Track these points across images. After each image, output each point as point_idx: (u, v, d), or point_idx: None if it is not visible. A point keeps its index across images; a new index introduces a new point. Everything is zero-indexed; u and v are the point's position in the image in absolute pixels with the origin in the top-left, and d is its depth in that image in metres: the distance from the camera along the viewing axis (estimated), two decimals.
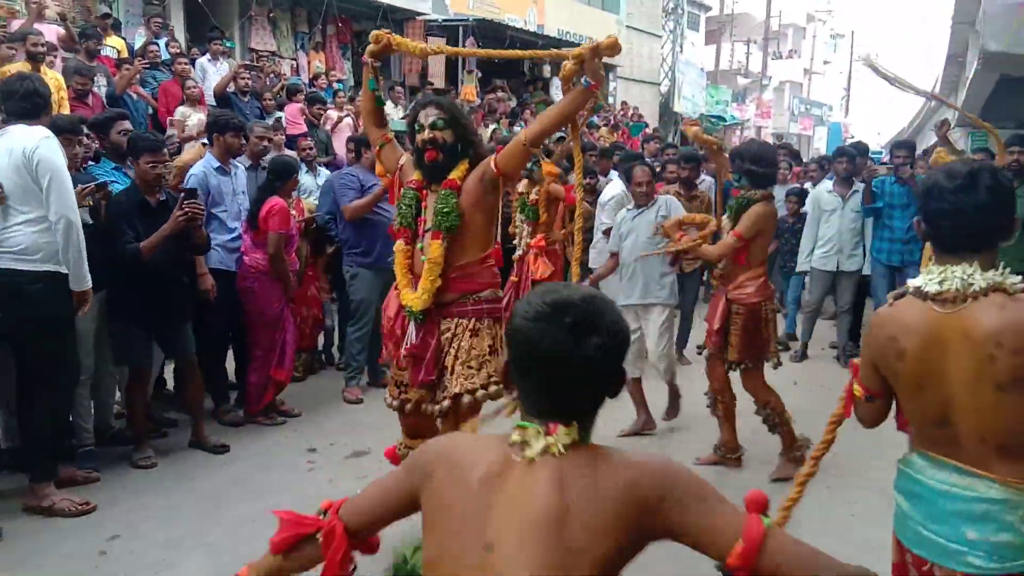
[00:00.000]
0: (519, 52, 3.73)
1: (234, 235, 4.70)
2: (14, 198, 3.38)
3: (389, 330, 3.07)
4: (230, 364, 5.03)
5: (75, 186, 3.59)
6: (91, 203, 3.77)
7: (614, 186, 6.25)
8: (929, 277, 1.75)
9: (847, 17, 48.84)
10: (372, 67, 3.14)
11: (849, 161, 6.63)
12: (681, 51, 23.57)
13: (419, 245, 2.94)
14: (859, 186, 6.50)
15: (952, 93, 26.55)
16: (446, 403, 2.88)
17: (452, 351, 2.90)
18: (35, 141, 3.37)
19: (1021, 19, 9.85)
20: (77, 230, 3.42)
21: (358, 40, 12.93)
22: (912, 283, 1.80)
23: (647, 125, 18.04)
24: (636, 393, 4.74)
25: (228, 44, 10.21)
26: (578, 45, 12.04)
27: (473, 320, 2.92)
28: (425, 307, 2.87)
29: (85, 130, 4.30)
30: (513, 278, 5.81)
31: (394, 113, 10.54)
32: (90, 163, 4.41)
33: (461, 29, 13.51)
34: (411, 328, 2.93)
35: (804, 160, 12.06)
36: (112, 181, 4.15)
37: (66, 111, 5.98)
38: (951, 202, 1.70)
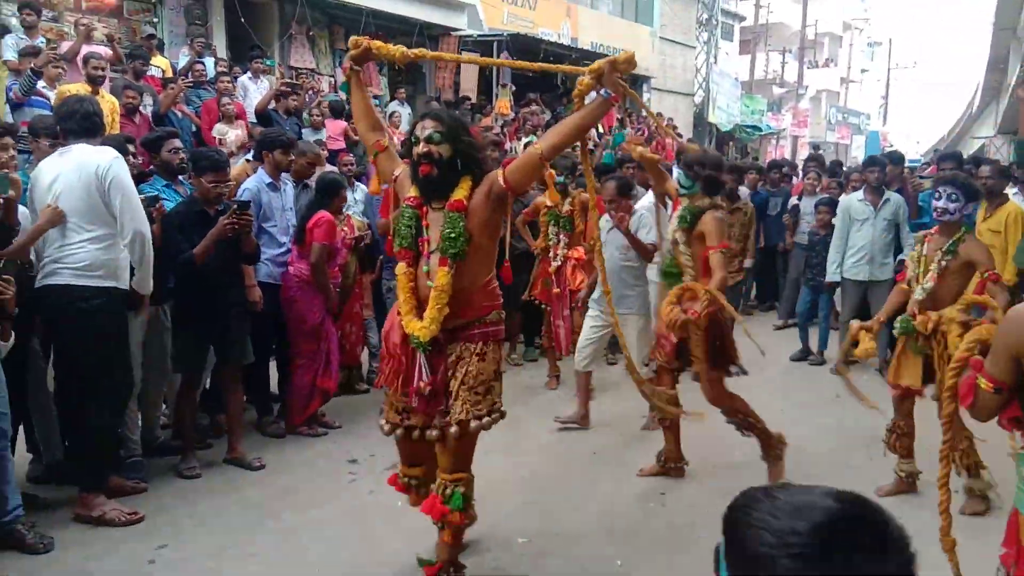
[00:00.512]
0: (526, 64, 3.66)
1: (283, 249, 4.81)
2: (80, 216, 3.49)
3: (392, 356, 2.93)
4: (273, 377, 5.11)
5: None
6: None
7: (646, 198, 6.26)
8: None
9: (884, 25, 48.21)
10: (352, 71, 3.08)
11: (880, 170, 6.53)
12: (715, 62, 23.44)
13: (424, 268, 2.82)
14: (891, 195, 6.41)
15: (994, 99, 26.05)
16: (454, 430, 2.79)
17: (458, 376, 2.82)
18: (107, 161, 3.51)
19: None
20: (149, 243, 3.65)
21: None
22: None
23: (681, 135, 17.98)
24: (583, 387, 5.02)
25: (268, 62, 10.44)
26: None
27: (480, 344, 2.85)
28: (433, 336, 2.78)
29: (131, 148, 4.44)
30: (556, 290, 5.83)
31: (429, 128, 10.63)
32: (142, 182, 4.52)
33: (495, 44, 13.62)
34: (422, 360, 2.83)
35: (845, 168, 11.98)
36: (163, 199, 4.27)
37: (116, 131, 6.16)
38: None
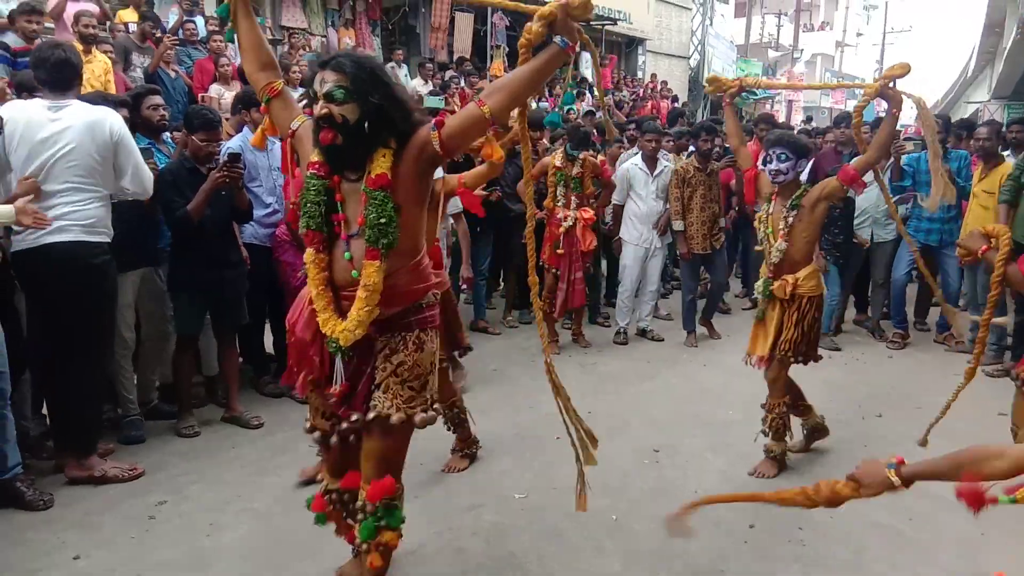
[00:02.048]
0: None
1: (268, 210, 4.74)
2: (91, 175, 3.45)
3: (300, 353, 2.43)
4: (268, 339, 5.12)
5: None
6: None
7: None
8: None
9: None
10: None
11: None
12: (711, 24, 23.19)
13: (345, 255, 2.29)
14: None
15: (989, 63, 25.92)
16: (372, 419, 2.33)
17: (389, 366, 2.35)
18: (118, 122, 3.52)
19: None
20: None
21: (387, 16, 12.91)
22: None
23: (676, 99, 17.86)
24: None
25: (259, 21, 10.26)
26: (610, 20, 12.11)
27: (417, 332, 2.38)
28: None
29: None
30: (560, 251, 5.88)
31: (423, 89, 10.57)
32: None
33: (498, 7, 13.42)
34: (339, 364, 2.35)
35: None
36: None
37: (112, 91, 6.09)
38: None
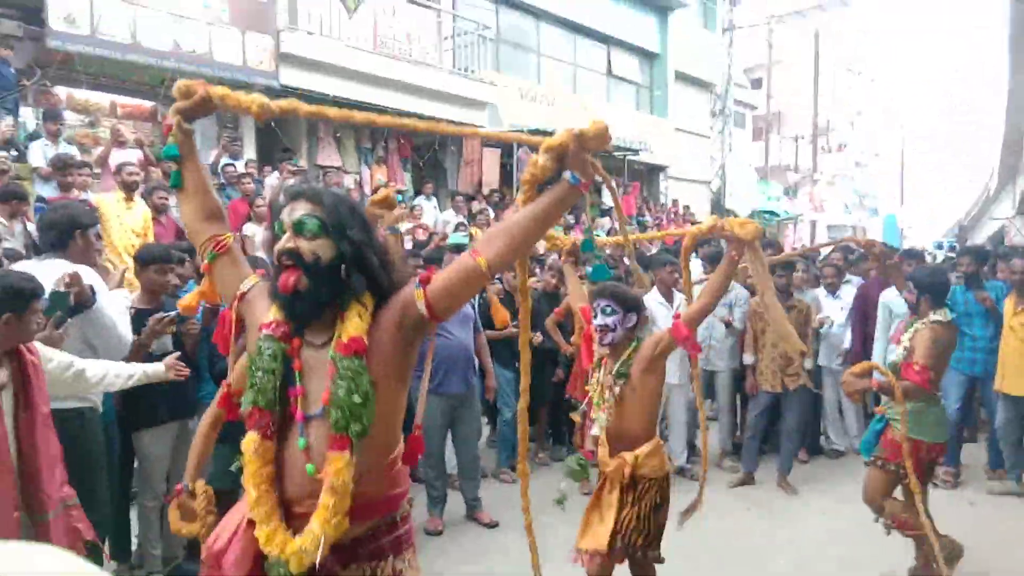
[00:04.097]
0: (467, 130, 3.01)
1: None
2: None
3: None
4: None
5: (167, 313, 3.73)
6: (173, 331, 3.89)
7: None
8: None
9: (894, 110, 49.02)
10: (180, 128, 1.96)
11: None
12: (731, 150, 23.86)
13: (299, 442, 1.77)
14: None
15: (1011, 180, 26.14)
16: None
17: None
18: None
19: None
20: None
21: (418, 153, 13.45)
22: None
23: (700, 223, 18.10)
24: None
25: (295, 162, 10.76)
26: (629, 150, 12.31)
27: (392, 559, 1.86)
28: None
29: (179, 257, 4.35)
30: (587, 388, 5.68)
31: (452, 221, 10.84)
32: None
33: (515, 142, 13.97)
34: None
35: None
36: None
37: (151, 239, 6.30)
38: None
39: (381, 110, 12.22)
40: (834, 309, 6.89)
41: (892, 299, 6.17)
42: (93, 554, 2.91)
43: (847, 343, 6.79)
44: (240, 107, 1.91)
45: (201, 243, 1.98)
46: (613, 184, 2.26)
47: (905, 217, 39.19)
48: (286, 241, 1.79)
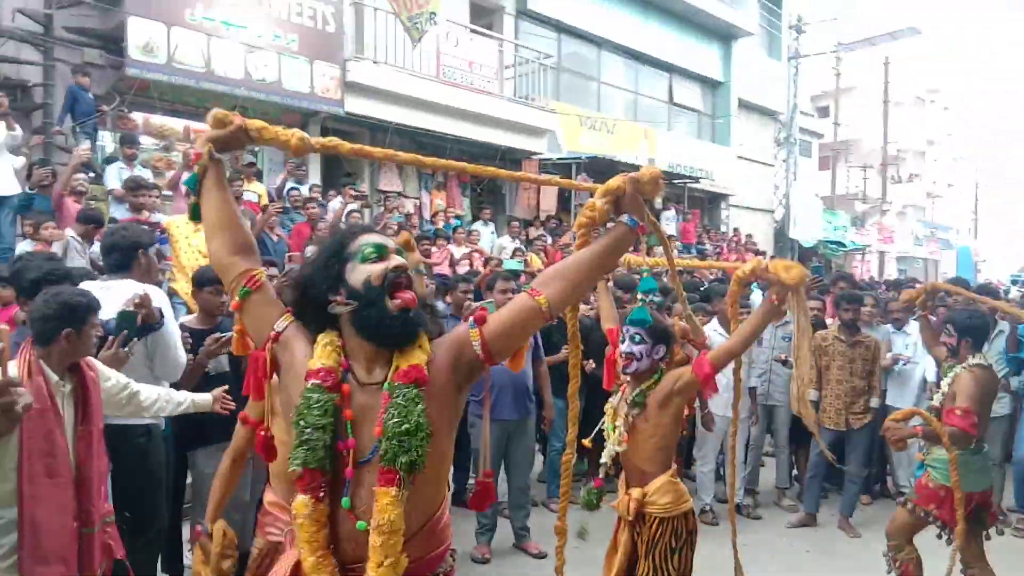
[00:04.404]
0: (517, 175, 2.83)
1: None
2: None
3: None
4: None
5: (224, 334, 3.78)
6: (229, 351, 3.96)
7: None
8: None
9: (968, 139, 47.45)
10: (209, 159, 1.88)
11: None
12: (795, 179, 23.42)
13: (344, 501, 1.66)
14: (1004, 325, 6.06)
15: None
16: None
17: None
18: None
19: None
20: None
21: (476, 180, 13.58)
22: None
23: (763, 253, 17.78)
24: None
25: (357, 187, 10.98)
26: (690, 177, 12.24)
27: None
28: None
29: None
30: None
31: (509, 247, 10.88)
32: None
33: (574, 167, 14.01)
34: None
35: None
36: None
37: None
38: None
39: (442, 137, 12.43)
40: (900, 346, 6.62)
41: None
42: (118, 573, 2.96)
43: (916, 380, 6.49)
44: (278, 141, 1.89)
45: (231, 279, 1.84)
46: (663, 232, 2.31)
47: (980, 250, 37.73)
48: (398, 258, 1.77)
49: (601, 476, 3.26)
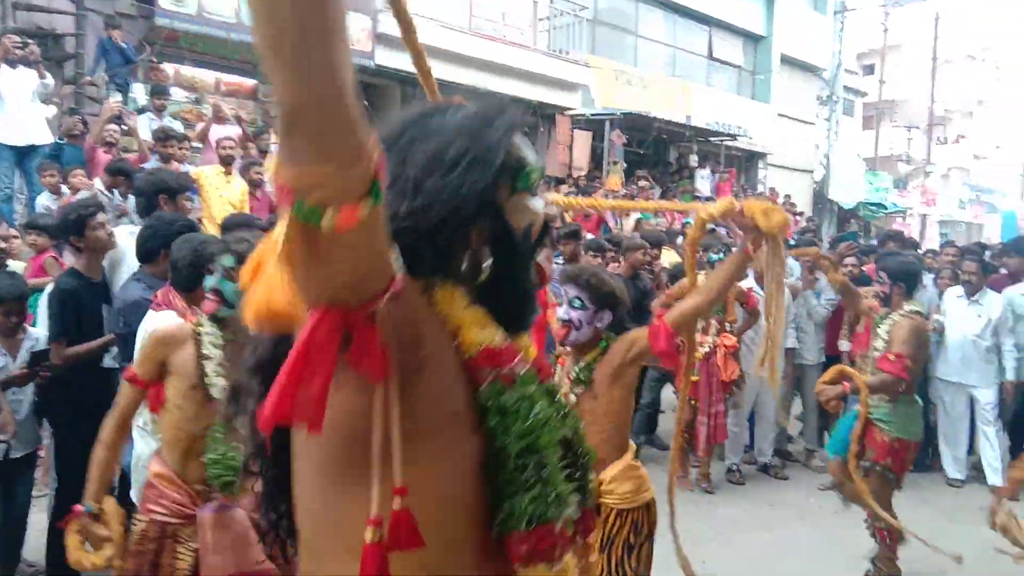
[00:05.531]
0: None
1: None
2: None
3: None
4: None
5: None
6: None
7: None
8: None
9: (1017, 101, 45.70)
10: None
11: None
12: (836, 137, 22.78)
13: None
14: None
15: None
16: None
17: None
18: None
19: None
20: None
21: None
22: None
23: (801, 213, 17.39)
24: None
25: None
26: (728, 135, 11.93)
27: None
28: None
29: (262, 224, 4.41)
30: (695, 379, 5.28)
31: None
32: None
33: (608, 122, 13.72)
34: None
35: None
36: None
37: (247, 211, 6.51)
38: None
39: (473, 91, 12.20)
40: (971, 316, 5.85)
41: (1016, 296, 5.71)
42: None
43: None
44: None
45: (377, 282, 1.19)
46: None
47: None
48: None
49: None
